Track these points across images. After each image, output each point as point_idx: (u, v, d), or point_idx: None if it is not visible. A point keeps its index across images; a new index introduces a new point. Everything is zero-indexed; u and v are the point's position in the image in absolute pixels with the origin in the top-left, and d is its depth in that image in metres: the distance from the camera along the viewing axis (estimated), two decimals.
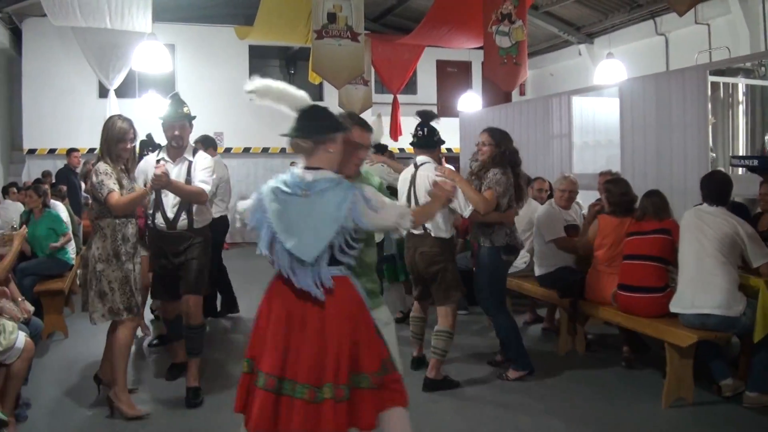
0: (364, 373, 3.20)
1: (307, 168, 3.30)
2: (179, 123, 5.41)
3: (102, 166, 4.94)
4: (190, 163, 5.43)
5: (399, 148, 17.09)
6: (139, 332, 6.92)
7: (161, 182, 4.93)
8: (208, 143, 7.70)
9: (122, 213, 4.95)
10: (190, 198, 5.33)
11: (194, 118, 5.53)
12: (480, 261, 5.76)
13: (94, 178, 4.90)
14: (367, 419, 3.21)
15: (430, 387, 5.54)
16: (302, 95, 3.39)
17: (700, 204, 5.39)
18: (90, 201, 5.29)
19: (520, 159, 5.69)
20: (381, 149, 8.55)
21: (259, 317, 3.37)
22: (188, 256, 5.40)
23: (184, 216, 5.37)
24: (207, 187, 5.37)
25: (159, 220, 5.39)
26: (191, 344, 5.46)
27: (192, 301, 5.38)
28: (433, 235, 5.53)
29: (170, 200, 5.33)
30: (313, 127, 3.30)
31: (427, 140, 5.71)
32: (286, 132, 3.33)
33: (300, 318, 3.22)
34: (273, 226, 3.23)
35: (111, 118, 5.16)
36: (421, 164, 5.64)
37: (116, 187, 4.89)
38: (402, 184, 5.81)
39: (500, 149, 5.57)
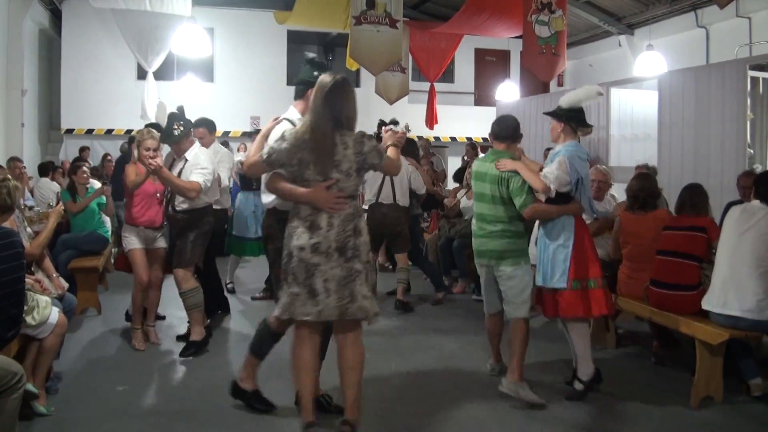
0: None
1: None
2: None
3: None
4: None
5: (435, 137, 17.08)
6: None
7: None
8: (211, 127, 7.29)
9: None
10: None
11: None
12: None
13: (368, 144, 4.00)
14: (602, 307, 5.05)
15: (401, 307, 7.75)
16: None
17: (747, 201, 5.30)
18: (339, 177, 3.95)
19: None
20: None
21: (579, 247, 4.93)
22: None
23: None
24: None
25: None
26: None
27: None
28: (400, 204, 7.75)
29: None
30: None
31: None
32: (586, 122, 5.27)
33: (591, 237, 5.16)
34: (584, 182, 4.94)
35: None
36: None
37: None
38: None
39: None
